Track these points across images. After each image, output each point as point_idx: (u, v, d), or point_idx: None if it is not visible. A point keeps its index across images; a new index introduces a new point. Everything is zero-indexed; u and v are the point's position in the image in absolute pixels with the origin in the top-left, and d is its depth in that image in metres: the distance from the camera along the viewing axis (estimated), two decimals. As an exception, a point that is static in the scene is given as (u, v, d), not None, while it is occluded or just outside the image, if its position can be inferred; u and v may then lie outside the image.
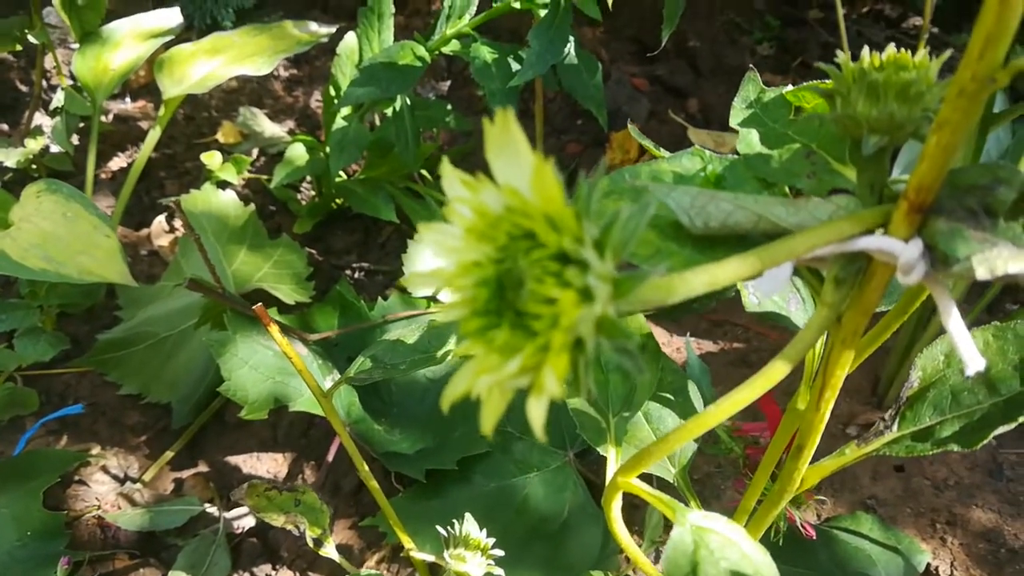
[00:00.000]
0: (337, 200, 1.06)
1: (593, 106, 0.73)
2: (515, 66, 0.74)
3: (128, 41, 0.93)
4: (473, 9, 0.77)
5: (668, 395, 0.42)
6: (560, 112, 1.22)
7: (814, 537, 0.64)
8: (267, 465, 0.81)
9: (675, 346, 0.90)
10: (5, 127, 1.06)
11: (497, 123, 0.18)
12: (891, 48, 0.25)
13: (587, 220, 0.18)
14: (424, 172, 1.02)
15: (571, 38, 0.70)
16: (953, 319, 0.24)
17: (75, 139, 1.05)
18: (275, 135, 1.16)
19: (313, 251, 1.04)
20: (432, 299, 0.88)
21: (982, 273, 0.23)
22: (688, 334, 0.91)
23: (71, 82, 0.98)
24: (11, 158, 0.98)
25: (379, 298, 0.86)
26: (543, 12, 0.68)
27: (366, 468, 0.54)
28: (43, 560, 0.63)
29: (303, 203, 1.08)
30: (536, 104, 0.83)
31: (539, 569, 0.67)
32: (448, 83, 1.25)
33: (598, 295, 0.17)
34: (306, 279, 0.91)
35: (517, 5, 0.69)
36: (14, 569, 0.63)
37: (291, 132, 1.19)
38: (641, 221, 0.19)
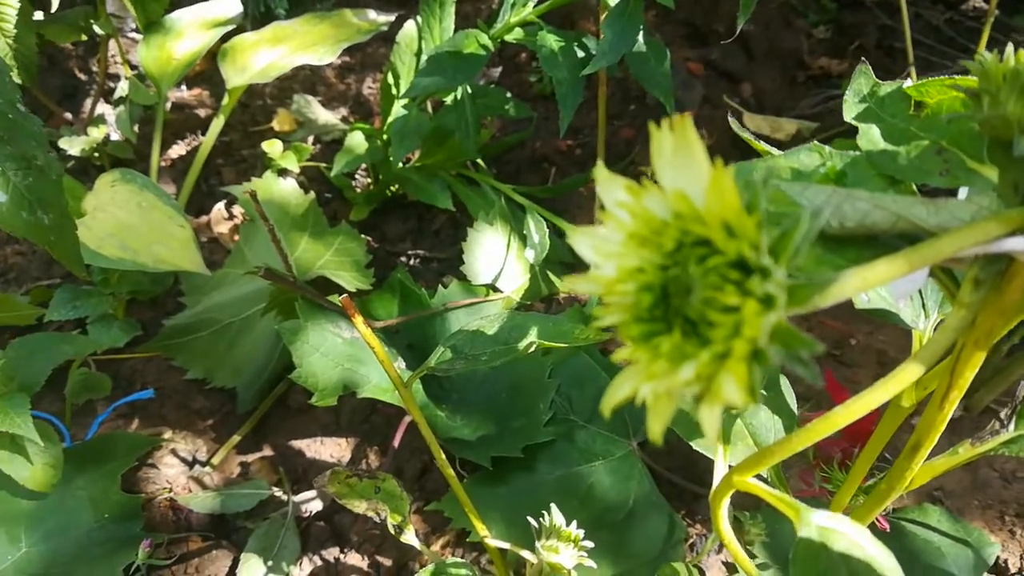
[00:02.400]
0: (392, 187, 1.06)
1: (661, 94, 0.72)
2: (581, 53, 0.73)
3: (191, 31, 0.94)
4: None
5: (761, 389, 0.41)
6: (613, 97, 1.21)
7: (888, 530, 0.63)
8: (331, 449, 0.82)
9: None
10: (68, 115, 1.08)
11: (675, 130, 0.18)
12: (1037, 44, 0.24)
13: (761, 228, 0.18)
14: (479, 160, 1.02)
15: (640, 26, 0.70)
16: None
17: (136, 127, 1.07)
18: (329, 122, 1.16)
19: (369, 238, 1.04)
20: (492, 287, 0.88)
21: None
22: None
23: (134, 71, 0.99)
24: (75, 146, 1.00)
25: (439, 285, 0.86)
26: (613, 1, 0.67)
27: (443, 456, 0.54)
28: (121, 542, 0.64)
29: (358, 191, 1.08)
30: (600, 90, 0.82)
31: (605, 558, 0.67)
32: (499, 69, 1.24)
33: (778, 303, 0.17)
34: (366, 267, 0.92)
35: (586, -8, 0.69)
36: (93, 551, 0.64)
37: (345, 119, 1.20)
38: (814, 228, 0.18)
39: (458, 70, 0.74)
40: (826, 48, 1.30)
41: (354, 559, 0.72)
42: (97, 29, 0.91)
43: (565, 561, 0.43)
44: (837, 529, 0.27)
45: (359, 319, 0.48)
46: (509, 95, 0.88)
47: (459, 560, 0.52)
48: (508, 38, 0.79)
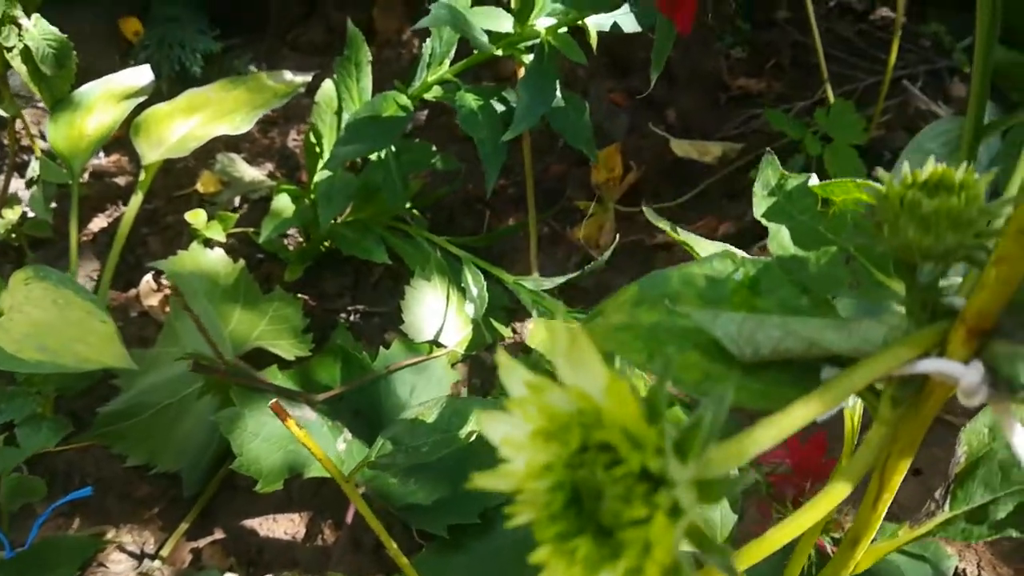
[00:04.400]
0: (326, 243, 1.04)
1: (583, 145, 0.72)
2: (501, 107, 0.73)
3: (101, 104, 0.91)
4: (452, 54, 0.76)
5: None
6: (542, 133, 1.21)
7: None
8: (284, 527, 0.80)
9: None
10: (-22, 199, 1.04)
11: (569, 339, 0.17)
12: (930, 162, 0.24)
13: (662, 428, 0.17)
14: (414, 211, 1.01)
15: (556, 80, 0.70)
16: (1018, 436, 0.24)
17: (53, 203, 1.03)
18: (255, 179, 1.14)
19: (306, 296, 1.02)
20: (435, 343, 0.87)
21: (1045, 397, 0.22)
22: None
23: (44, 147, 0.96)
24: (-11, 230, 0.96)
25: (381, 347, 0.85)
26: (527, 59, 0.67)
27: (385, 533, 0.53)
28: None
29: (291, 248, 1.06)
30: (524, 141, 0.82)
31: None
32: (425, 112, 1.23)
33: (688, 509, 0.17)
34: (303, 331, 0.90)
35: (499, 52, 0.68)
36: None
37: (271, 175, 1.18)
38: (720, 418, 0.18)
39: (378, 135, 0.73)
40: (744, 68, 1.33)
41: (314, 643, 0.70)
42: (0, 112, 0.87)
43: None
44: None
45: (291, 422, 0.47)
46: (434, 148, 0.88)
47: None
48: (427, 96, 0.78)
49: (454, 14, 0.63)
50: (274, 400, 0.47)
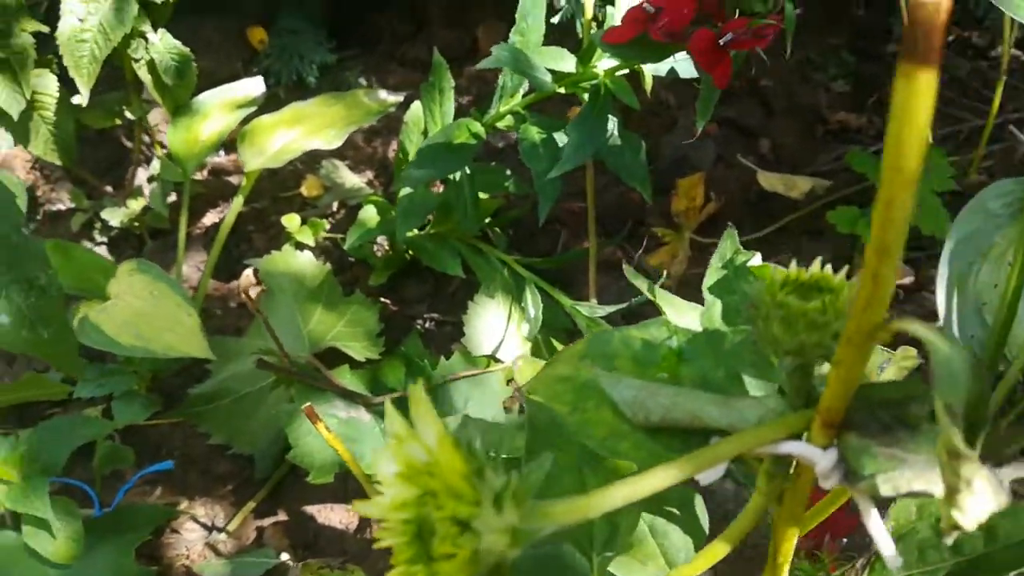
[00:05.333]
0: (409, 252, 1.11)
1: (637, 183, 0.75)
2: (562, 141, 0.77)
3: (216, 112, 1.01)
4: (524, 87, 0.80)
5: (673, 509, 0.44)
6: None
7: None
8: (339, 516, 0.87)
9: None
10: (109, 188, 1.16)
11: (413, 399, 0.22)
12: (816, 264, 0.27)
13: (483, 482, 0.21)
14: (495, 228, 1.06)
15: (614, 120, 0.73)
16: (872, 520, 0.26)
17: (172, 196, 1.15)
18: (355, 186, 1.22)
19: (388, 301, 1.09)
20: (493, 358, 0.92)
21: (886, 491, 0.25)
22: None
23: (164, 150, 1.07)
24: (115, 217, 1.08)
25: (442, 357, 0.90)
26: (587, 96, 0.71)
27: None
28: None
29: (379, 255, 1.14)
30: (587, 174, 0.86)
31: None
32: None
33: (493, 550, 0.21)
34: (377, 335, 0.97)
35: (561, 90, 0.72)
36: (109, 617, 0.71)
37: (370, 183, 1.26)
38: (539, 475, 0.22)
39: (448, 160, 0.79)
40: (845, 102, 1.31)
41: (350, 625, 0.76)
42: (129, 115, 0.98)
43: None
44: None
45: (321, 425, 0.53)
46: (509, 172, 0.93)
47: None
48: (500, 125, 0.83)
49: (515, 55, 0.67)
50: (308, 404, 0.53)
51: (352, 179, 1.24)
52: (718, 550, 0.28)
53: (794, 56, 1.36)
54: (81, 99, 0.89)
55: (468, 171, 0.89)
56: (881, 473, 0.24)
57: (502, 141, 1.29)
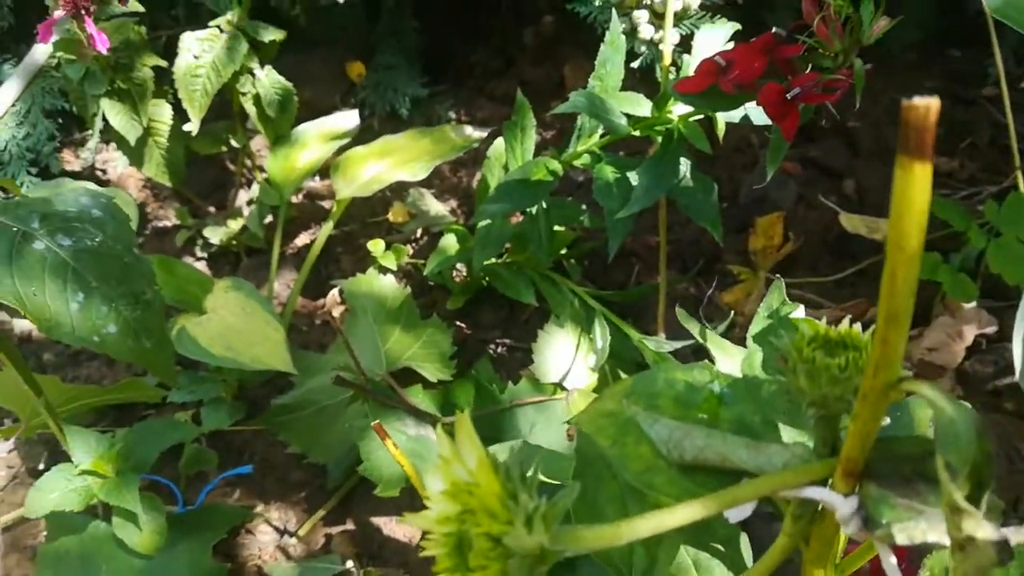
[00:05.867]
0: (486, 279, 1.15)
1: (708, 223, 0.76)
2: (636, 180, 0.79)
3: (313, 143, 1.07)
4: (602, 128, 0.83)
5: (718, 545, 0.45)
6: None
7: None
8: (404, 530, 0.90)
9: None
10: (212, 209, 1.24)
11: (458, 425, 0.24)
12: (845, 323, 0.28)
13: (517, 504, 0.24)
14: (571, 260, 1.09)
15: (687, 162, 0.75)
16: (889, 567, 0.28)
17: (269, 218, 1.22)
18: (439, 214, 1.27)
19: (463, 324, 1.13)
20: (560, 386, 0.94)
21: (901, 540, 0.26)
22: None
23: (264, 175, 1.14)
24: (216, 236, 1.16)
25: (510, 382, 0.93)
26: (660, 139, 0.73)
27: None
28: (210, 605, 0.75)
29: (457, 281, 1.18)
30: (660, 220, 0.88)
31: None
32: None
33: (523, 566, 0.23)
34: (450, 358, 1.01)
35: (636, 133, 0.75)
36: (187, 610, 0.76)
37: (453, 211, 1.30)
38: (568, 500, 0.24)
39: (524, 196, 0.82)
40: (937, 145, 1.28)
41: (409, 637, 0.79)
42: (234, 143, 1.06)
43: None
44: None
45: (389, 442, 0.56)
46: (584, 207, 0.95)
47: None
48: (576, 163, 0.86)
49: (592, 100, 0.70)
50: (376, 422, 0.57)
51: (436, 207, 1.29)
52: (742, 585, 0.30)
53: (886, 95, 1.35)
54: (192, 127, 0.96)
55: (544, 205, 0.92)
56: (898, 522, 0.26)
57: (582, 175, 1.32)
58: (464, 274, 1.20)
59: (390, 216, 1.29)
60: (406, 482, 0.78)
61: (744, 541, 0.47)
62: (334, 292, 1.19)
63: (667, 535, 0.40)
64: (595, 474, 0.40)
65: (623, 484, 0.40)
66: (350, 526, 0.91)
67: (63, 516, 0.80)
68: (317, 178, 1.39)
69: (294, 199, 1.32)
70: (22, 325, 1.10)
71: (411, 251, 1.18)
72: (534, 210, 0.92)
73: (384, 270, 1.09)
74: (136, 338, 0.58)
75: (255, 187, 1.11)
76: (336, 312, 1.17)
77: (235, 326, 0.80)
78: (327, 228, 1.03)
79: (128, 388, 0.86)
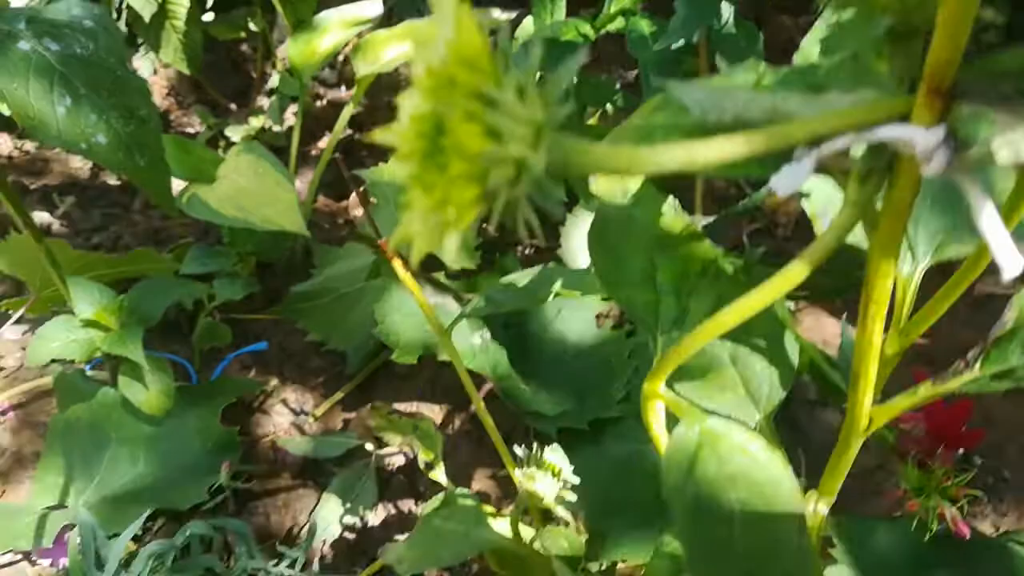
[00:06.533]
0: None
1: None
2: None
3: (334, 28, 1.03)
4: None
5: (760, 340, 0.40)
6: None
7: (967, 535, 0.58)
8: (425, 412, 0.86)
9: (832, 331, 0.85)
10: (233, 106, 1.21)
11: None
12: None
13: (506, 66, 0.19)
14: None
15: (731, 6, 0.69)
16: (987, 214, 0.22)
17: (292, 119, 1.18)
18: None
19: (488, 226, 1.08)
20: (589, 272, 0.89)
21: (1005, 156, 0.21)
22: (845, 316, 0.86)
23: (286, 65, 1.09)
24: (237, 134, 1.12)
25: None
26: (700, -24, 0.67)
27: (481, 403, 0.56)
28: (218, 468, 0.72)
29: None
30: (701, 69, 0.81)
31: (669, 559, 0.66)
32: (635, 72, 1.25)
33: (510, 135, 0.18)
34: (475, 248, 0.96)
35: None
36: (195, 475, 0.73)
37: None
38: (569, 79, 0.19)
39: (551, 58, 0.76)
40: None
41: (426, 514, 0.75)
42: (253, 27, 1.02)
43: (543, 491, 0.43)
44: (725, 434, 0.27)
45: (397, 262, 0.52)
46: (618, 86, 0.89)
47: (466, 491, 0.54)
48: (611, 28, 0.80)
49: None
50: (383, 239, 0.52)
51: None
52: (795, 272, 0.25)
53: None
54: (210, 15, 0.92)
55: (575, 80, 0.87)
56: (999, 135, 0.20)
57: (619, 78, 1.26)
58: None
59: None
60: (425, 349, 0.74)
61: (789, 337, 0.41)
62: (357, 193, 1.14)
63: (699, 285, 0.35)
64: (619, 228, 0.35)
65: (650, 238, 0.35)
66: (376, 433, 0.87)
67: (73, 381, 0.77)
68: (343, 88, 1.35)
69: (317, 104, 1.28)
70: (40, 217, 1.08)
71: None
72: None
73: (407, 158, 1.05)
74: (128, 153, 0.54)
75: (274, 77, 1.07)
76: (358, 212, 1.13)
77: (246, 188, 0.76)
78: (348, 110, 0.98)
79: (139, 258, 0.83)
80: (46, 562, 0.70)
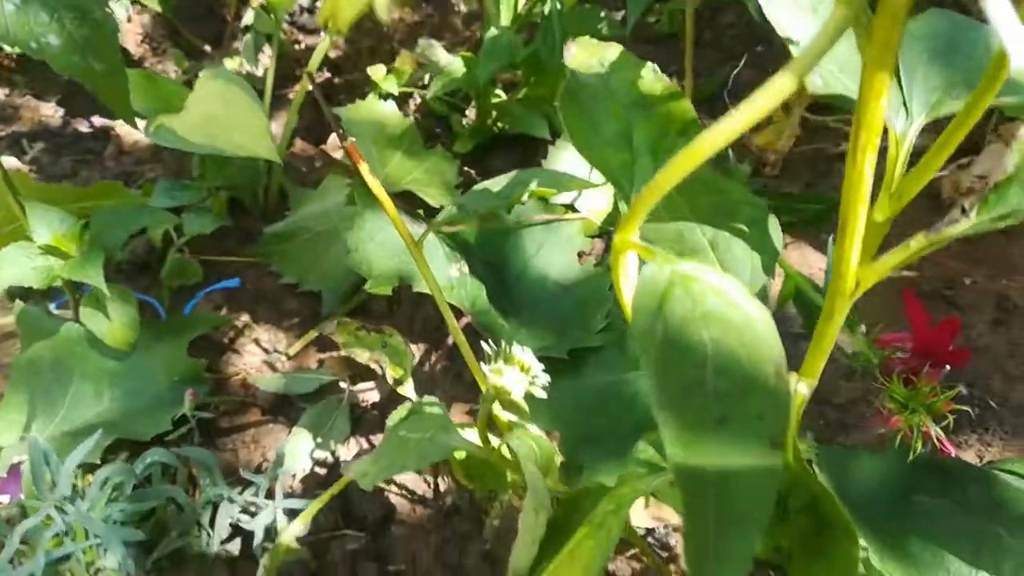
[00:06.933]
0: (498, 124, 1.07)
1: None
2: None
3: (310, -38, 0.99)
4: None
5: (742, 225, 0.38)
6: (738, 37, 1.16)
7: (952, 454, 0.57)
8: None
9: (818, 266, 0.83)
10: (208, 48, 1.17)
11: None
12: None
13: None
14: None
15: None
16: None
17: (268, 62, 1.15)
18: (450, 65, 1.19)
19: (472, 171, 1.06)
20: (571, 207, 0.87)
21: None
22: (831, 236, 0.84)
23: (259, 3, 1.06)
24: (212, 76, 1.09)
25: (517, 203, 0.86)
26: None
27: (457, 326, 0.54)
28: (183, 400, 0.69)
29: (466, 126, 1.10)
30: (687, 23, 0.79)
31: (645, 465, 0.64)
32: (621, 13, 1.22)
33: None
34: (455, 187, 0.93)
35: None
36: (163, 406, 0.70)
37: (464, 63, 1.22)
38: None
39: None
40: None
41: (401, 450, 0.73)
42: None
43: (510, 385, 0.41)
44: (699, 277, 0.24)
45: (364, 166, 0.49)
46: (603, 14, 0.87)
47: (433, 399, 0.51)
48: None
49: None
50: (350, 142, 0.49)
51: (447, 58, 1.21)
52: (784, 84, 0.23)
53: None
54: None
55: (559, 6, 0.84)
56: None
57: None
58: (472, 118, 1.12)
59: (396, 64, 1.21)
60: (400, 280, 0.71)
61: (773, 222, 0.39)
62: (334, 135, 1.12)
63: (678, 144, 0.32)
64: (593, 91, 0.33)
65: (627, 100, 0.33)
66: (344, 352, 0.85)
67: (37, 318, 0.74)
68: (323, 34, 1.32)
69: (295, 47, 1.24)
70: (8, 162, 1.05)
71: (411, 72, 1.10)
72: (547, 10, 0.84)
73: (386, 96, 1.02)
74: (83, 56, 0.52)
75: (249, 14, 1.04)
76: (337, 154, 1.10)
77: (215, 115, 0.73)
78: (323, 45, 0.95)
79: (106, 191, 0.81)
80: (5, 498, 0.68)
